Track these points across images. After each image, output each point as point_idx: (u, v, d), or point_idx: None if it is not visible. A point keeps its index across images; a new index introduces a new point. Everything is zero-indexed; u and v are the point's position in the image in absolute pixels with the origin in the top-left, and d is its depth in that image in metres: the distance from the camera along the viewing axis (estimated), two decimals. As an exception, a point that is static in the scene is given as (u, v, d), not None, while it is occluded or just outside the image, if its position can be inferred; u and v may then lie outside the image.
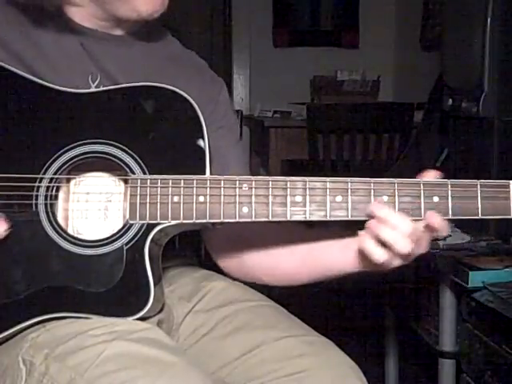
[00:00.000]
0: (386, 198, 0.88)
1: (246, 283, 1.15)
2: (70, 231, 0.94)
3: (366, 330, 2.50)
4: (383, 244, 0.88)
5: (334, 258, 1.00)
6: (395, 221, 0.87)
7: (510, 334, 1.40)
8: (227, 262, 1.13)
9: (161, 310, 0.98)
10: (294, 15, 4.17)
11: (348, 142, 2.90)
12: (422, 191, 0.87)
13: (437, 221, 0.87)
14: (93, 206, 0.99)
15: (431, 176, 0.89)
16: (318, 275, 1.04)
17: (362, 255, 0.93)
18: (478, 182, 0.88)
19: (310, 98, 3.89)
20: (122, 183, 0.98)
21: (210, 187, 0.89)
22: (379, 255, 0.89)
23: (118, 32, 1.06)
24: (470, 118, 2.02)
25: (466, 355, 1.55)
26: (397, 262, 0.91)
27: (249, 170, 1.17)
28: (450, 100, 2.13)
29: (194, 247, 1.20)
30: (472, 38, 1.96)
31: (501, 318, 1.40)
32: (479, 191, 0.87)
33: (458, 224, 1.75)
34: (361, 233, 0.90)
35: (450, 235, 1.69)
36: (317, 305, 2.62)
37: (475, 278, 1.52)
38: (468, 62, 1.99)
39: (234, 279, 1.14)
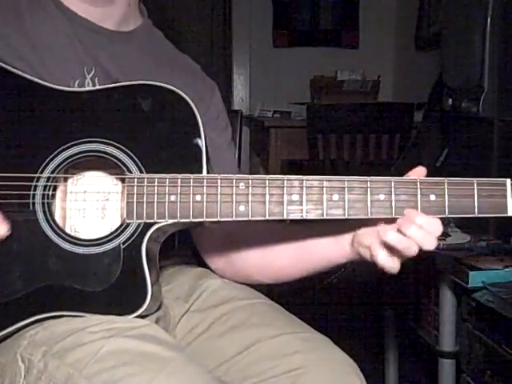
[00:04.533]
0: (382, 197, 0.88)
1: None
2: (67, 230, 0.94)
3: (366, 329, 2.50)
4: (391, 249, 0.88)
5: (329, 250, 1.01)
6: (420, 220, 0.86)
7: (510, 333, 1.40)
8: (218, 263, 1.14)
9: (158, 308, 0.98)
10: (293, 15, 4.17)
11: (348, 141, 2.91)
12: (418, 189, 0.87)
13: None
14: (90, 205, 0.99)
15: (419, 172, 0.89)
16: (312, 269, 1.06)
17: (361, 246, 0.95)
18: (475, 180, 0.88)
19: (310, 98, 3.89)
20: (119, 182, 0.98)
21: (207, 186, 0.89)
22: (393, 266, 0.89)
23: (110, 26, 1.06)
24: (470, 117, 2.02)
25: (465, 355, 1.55)
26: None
27: (238, 170, 1.18)
28: (450, 100, 2.13)
29: (191, 246, 1.20)
30: (472, 38, 1.96)
31: (501, 318, 1.40)
32: (476, 189, 0.87)
33: (457, 224, 1.75)
34: (372, 246, 0.90)
35: (450, 235, 1.69)
36: (316, 304, 2.62)
37: (475, 278, 1.52)
38: (468, 61, 1.99)
39: (227, 279, 1.14)
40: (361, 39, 4.19)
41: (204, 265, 1.19)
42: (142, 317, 0.91)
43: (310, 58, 4.08)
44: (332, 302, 2.73)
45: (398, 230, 0.87)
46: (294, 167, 3.21)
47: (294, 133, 3.16)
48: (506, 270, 1.54)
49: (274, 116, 3.61)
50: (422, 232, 0.86)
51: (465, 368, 1.56)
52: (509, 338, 1.40)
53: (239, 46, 4.19)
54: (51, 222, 0.91)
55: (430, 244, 0.87)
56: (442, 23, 2.43)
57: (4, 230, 0.88)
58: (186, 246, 1.21)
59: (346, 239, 0.98)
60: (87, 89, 0.99)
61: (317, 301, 2.59)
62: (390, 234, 0.87)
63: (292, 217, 0.88)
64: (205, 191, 0.88)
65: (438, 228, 0.87)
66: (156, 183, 0.89)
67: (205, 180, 0.89)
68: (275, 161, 3.19)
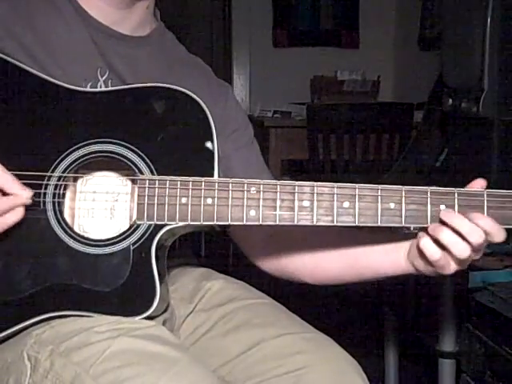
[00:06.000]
0: (392, 205, 0.87)
1: (245, 281, 1.16)
2: (76, 230, 0.94)
3: (366, 329, 2.50)
4: (441, 246, 0.86)
5: (380, 261, 0.98)
6: (456, 223, 0.84)
7: (510, 333, 1.40)
8: (265, 263, 1.12)
9: (165, 310, 0.99)
10: (293, 15, 4.17)
11: (348, 141, 2.91)
12: (428, 199, 0.87)
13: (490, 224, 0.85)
14: (99, 205, 0.99)
15: (478, 185, 0.88)
16: (364, 277, 1.03)
17: (416, 257, 0.92)
18: (485, 191, 0.87)
19: (310, 98, 3.89)
20: (129, 183, 0.98)
21: (218, 189, 0.89)
22: (433, 252, 0.86)
23: (126, 30, 1.06)
24: (470, 117, 2.02)
25: (466, 355, 1.55)
26: (453, 268, 0.88)
27: (267, 169, 1.16)
28: (450, 100, 2.13)
29: (193, 247, 1.20)
30: (472, 38, 1.96)
31: (501, 318, 1.40)
32: (485, 200, 0.86)
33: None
34: (420, 234, 0.89)
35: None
36: (317, 305, 2.62)
37: (475, 278, 1.53)
38: (468, 61, 1.99)
39: (272, 277, 1.13)
40: (361, 39, 4.19)
41: (204, 265, 1.19)
42: (149, 318, 0.91)
43: (310, 57, 4.08)
44: (332, 302, 2.73)
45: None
46: (294, 167, 3.21)
47: (294, 133, 3.16)
48: (506, 270, 1.54)
49: (274, 116, 3.61)
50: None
51: (465, 368, 1.56)
52: (509, 338, 1.40)
53: (239, 46, 4.19)
54: (61, 221, 0.91)
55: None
56: (442, 23, 2.43)
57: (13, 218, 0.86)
58: (187, 246, 1.21)
59: (399, 251, 0.95)
60: (100, 89, 0.99)
61: (317, 301, 2.59)
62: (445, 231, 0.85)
63: (302, 223, 0.88)
64: (216, 195, 0.89)
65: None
66: (167, 185, 0.89)
67: (216, 183, 0.89)
68: (275, 161, 3.19)
